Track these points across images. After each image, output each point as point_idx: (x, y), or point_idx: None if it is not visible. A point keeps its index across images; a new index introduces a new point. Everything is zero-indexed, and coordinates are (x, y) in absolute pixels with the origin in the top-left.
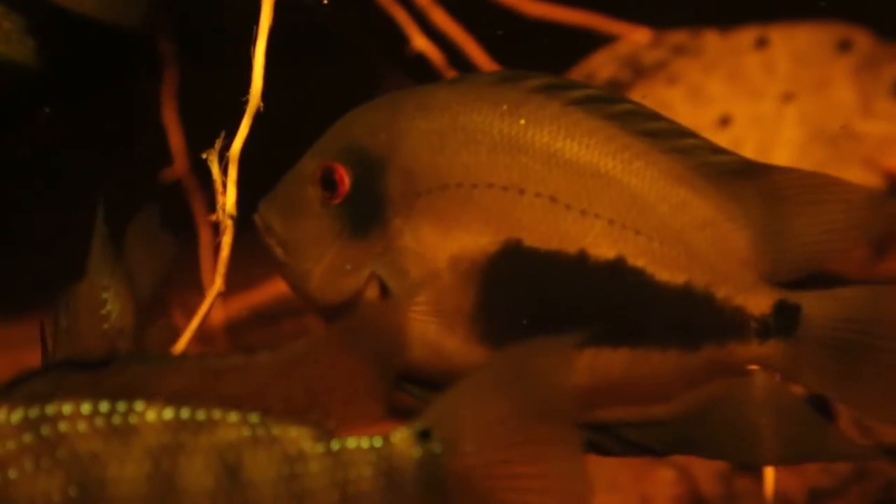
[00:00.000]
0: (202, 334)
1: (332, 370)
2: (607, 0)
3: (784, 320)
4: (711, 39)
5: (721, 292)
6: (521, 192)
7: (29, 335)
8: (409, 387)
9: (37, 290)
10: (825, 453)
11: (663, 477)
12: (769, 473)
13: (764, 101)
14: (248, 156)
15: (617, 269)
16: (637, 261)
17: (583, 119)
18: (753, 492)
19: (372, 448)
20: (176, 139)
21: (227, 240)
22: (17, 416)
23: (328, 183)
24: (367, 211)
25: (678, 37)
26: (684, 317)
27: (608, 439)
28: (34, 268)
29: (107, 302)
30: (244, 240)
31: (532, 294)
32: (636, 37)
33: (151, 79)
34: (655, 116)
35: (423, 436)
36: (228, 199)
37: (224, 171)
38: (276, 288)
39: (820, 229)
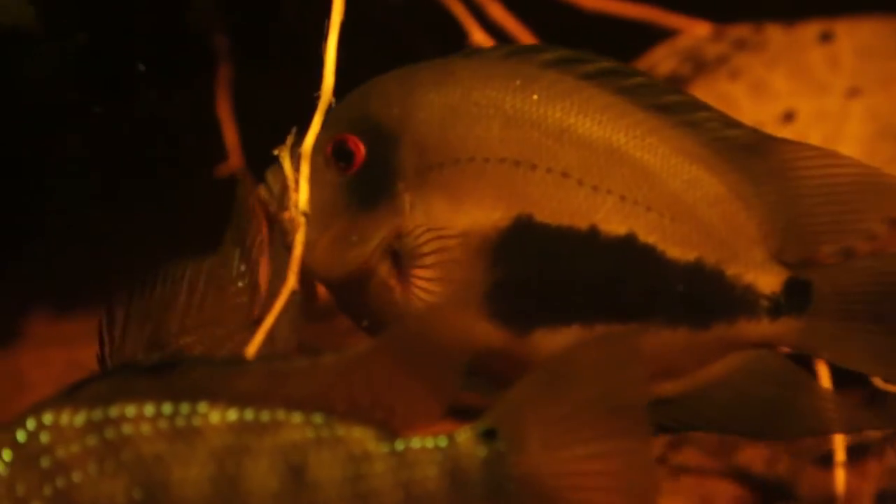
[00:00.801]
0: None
1: (395, 371)
2: None
3: (795, 298)
4: (774, 34)
5: (731, 270)
6: (533, 167)
7: (84, 330)
8: None
9: (90, 284)
10: (836, 425)
11: (723, 480)
12: (839, 475)
13: (829, 96)
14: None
15: (628, 245)
16: (648, 237)
17: (595, 94)
18: (821, 494)
19: (437, 448)
20: (230, 134)
21: (300, 237)
22: (80, 418)
23: (341, 154)
24: (377, 183)
25: (740, 31)
26: (694, 294)
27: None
28: (88, 262)
29: (241, 277)
30: None
31: (543, 270)
32: (697, 31)
33: (207, 74)
34: (668, 90)
35: (489, 435)
36: (301, 195)
37: (296, 168)
38: None
39: (830, 209)
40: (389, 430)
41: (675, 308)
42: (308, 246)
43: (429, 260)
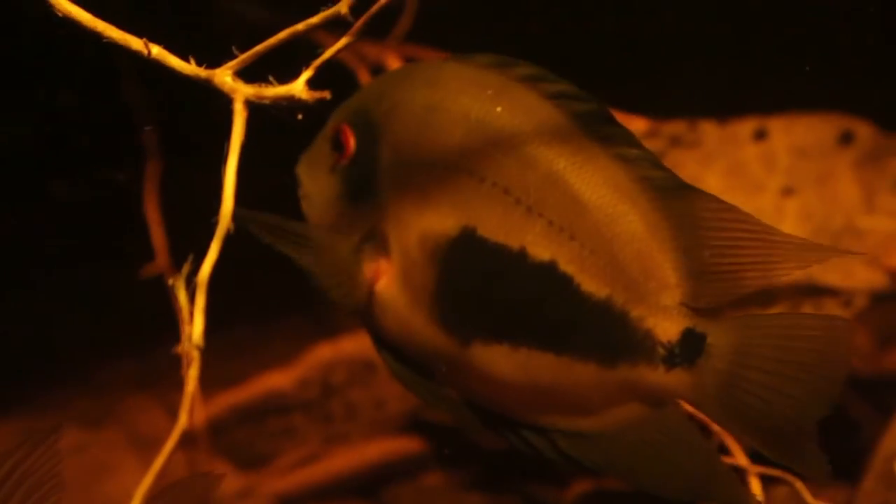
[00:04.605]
0: (184, 437)
1: None
2: (603, 87)
3: (689, 349)
4: (709, 130)
5: (636, 311)
6: (482, 179)
7: None
8: (385, 354)
9: None
10: (716, 497)
11: None
12: None
13: (764, 194)
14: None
15: (548, 273)
16: (567, 267)
17: (551, 116)
18: None
19: None
20: (157, 234)
21: (193, 373)
22: None
23: (337, 144)
24: (363, 177)
25: (676, 127)
26: (603, 332)
27: (543, 442)
28: None
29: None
30: (229, 335)
31: (480, 284)
32: (633, 126)
33: (134, 171)
34: (612, 121)
35: None
36: (196, 328)
37: (191, 298)
38: (262, 385)
39: (736, 263)
40: None
41: (587, 342)
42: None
43: (393, 258)
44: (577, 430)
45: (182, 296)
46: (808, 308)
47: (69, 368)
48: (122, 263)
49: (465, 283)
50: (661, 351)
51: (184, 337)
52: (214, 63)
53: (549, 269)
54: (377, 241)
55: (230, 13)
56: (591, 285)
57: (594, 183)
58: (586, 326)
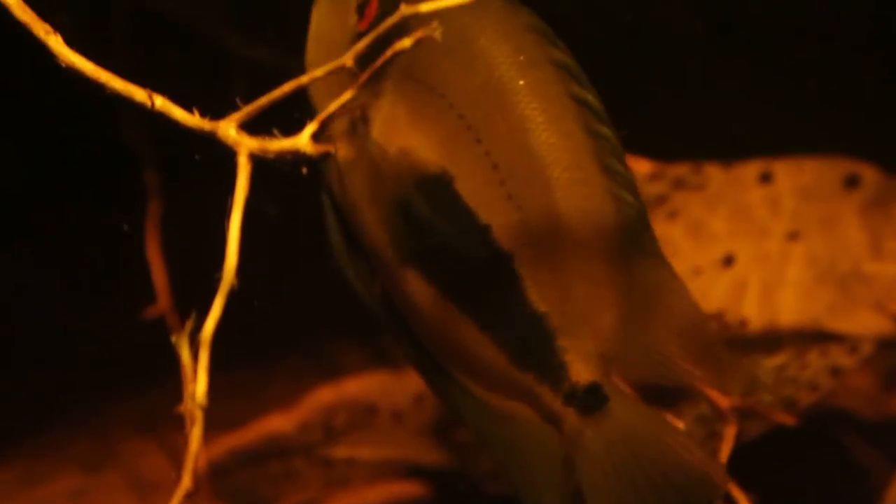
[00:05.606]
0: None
1: None
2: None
3: (590, 401)
4: (714, 173)
5: (562, 342)
6: (478, 141)
7: None
8: (332, 218)
9: None
10: None
11: None
12: None
13: (769, 239)
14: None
15: (500, 264)
16: (522, 269)
17: (571, 129)
18: None
19: None
20: (159, 275)
21: (197, 432)
22: None
23: (361, 7)
24: (371, 52)
25: (680, 169)
26: (526, 338)
27: (437, 377)
28: None
29: None
30: (228, 375)
31: (435, 237)
32: (639, 168)
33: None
34: (606, 120)
35: None
36: (199, 387)
37: (195, 356)
38: (263, 427)
39: (664, 342)
40: None
41: (509, 336)
42: (310, 69)
43: (368, 145)
44: (471, 390)
45: (185, 354)
46: (814, 354)
47: (69, 410)
48: (123, 304)
49: (421, 226)
50: (566, 386)
51: (187, 396)
52: (218, 107)
53: (503, 261)
54: (360, 121)
55: (233, 54)
56: (536, 296)
57: (580, 195)
58: (514, 325)
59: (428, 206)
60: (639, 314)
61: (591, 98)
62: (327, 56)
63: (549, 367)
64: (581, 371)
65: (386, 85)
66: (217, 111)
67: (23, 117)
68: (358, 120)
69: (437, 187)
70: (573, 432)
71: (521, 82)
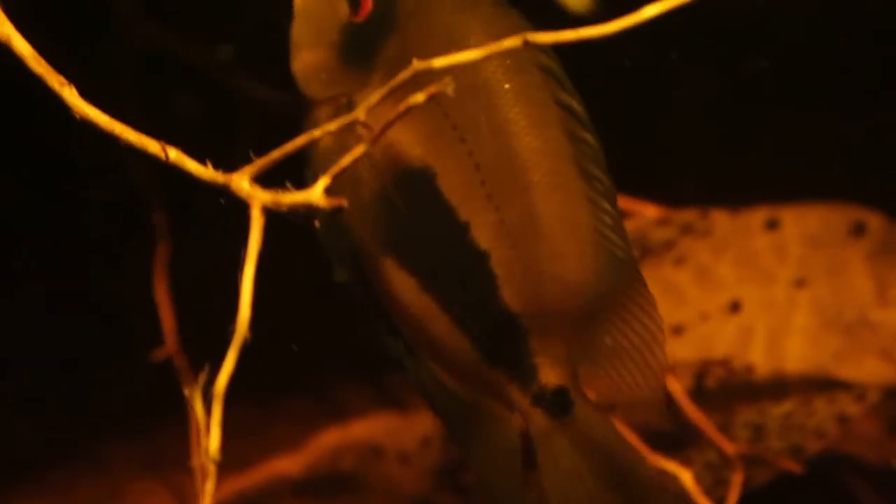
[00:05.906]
0: None
1: None
2: (615, 175)
3: (557, 404)
4: (720, 219)
5: (533, 344)
6: (463, 140)
7: None
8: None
9: None
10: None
11: None
12: None
13: (775, 286)
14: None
15: (479, 263)
16: (497, 268)
17: (554, 134)
18: None
19: None
20: (167, 317)
21: (209, 487)
22: None
23: (355, 2)
24: (362, 45)
25: (687, 215)
26: (499, 335)
27: (411, 360)
28: None
29: None
30: (231, 415)
31: (416, 229)
32: (647, 213)
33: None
34: (589, 127)
35: None
36: (213, 441)
37: (207, 409)
38: (269, 470)
39: (623, 355)
40: None
41: (481, 331)
42: (295, 49)
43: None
44: (442, 380)
45: (199, 408)
46: (820, 402)
47: (74, 449)
48: (130, 344)
49: (402, 218)
50: (535, 388)
51: (200, 450)
52: (229, 158)
53: (479, 258)
54: (345, 109)
55: (243, 96)
56: (509, 295)
57: (571, 206)
58: (487, 322)
59: (409, 199)
60: (607, 322)
61: (575, 104)
62: (315, 38)
63: (519, 366)
64: (549, 374)
65: (374, 76)
66: (226, 157)
67: (28, 157)
68: (343, 108)
69: (419, 182)
70: (539, 433)
71: (507, 85)
